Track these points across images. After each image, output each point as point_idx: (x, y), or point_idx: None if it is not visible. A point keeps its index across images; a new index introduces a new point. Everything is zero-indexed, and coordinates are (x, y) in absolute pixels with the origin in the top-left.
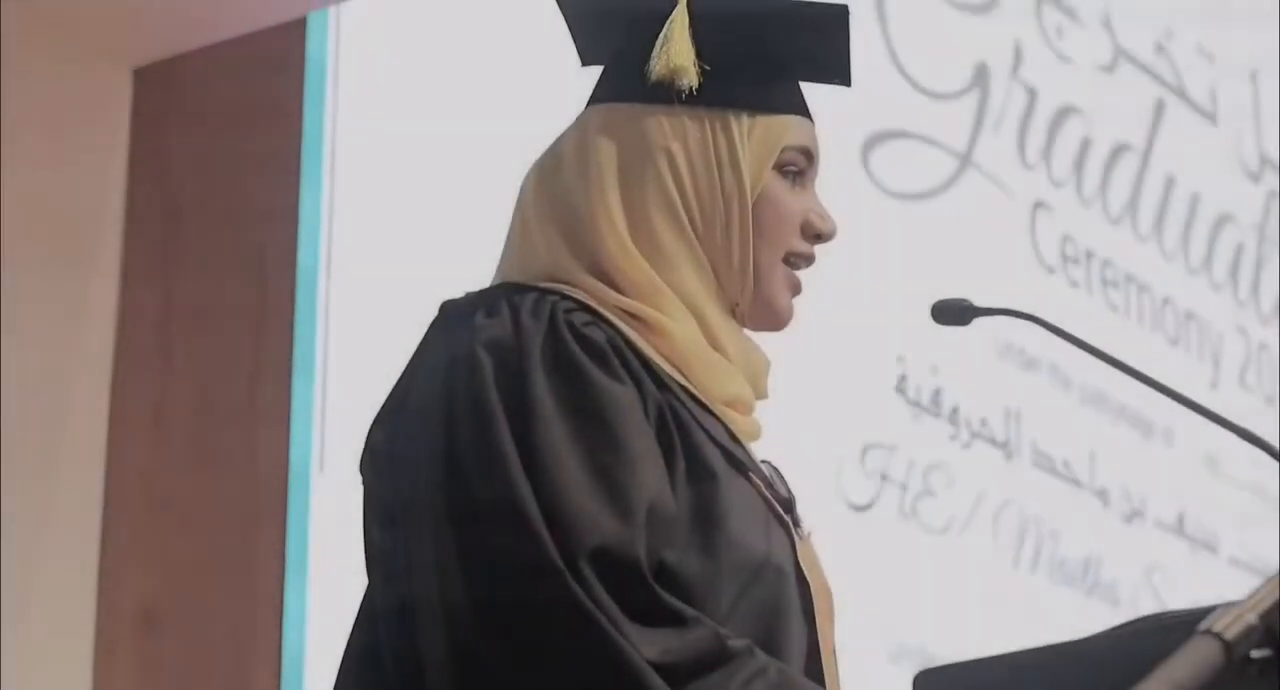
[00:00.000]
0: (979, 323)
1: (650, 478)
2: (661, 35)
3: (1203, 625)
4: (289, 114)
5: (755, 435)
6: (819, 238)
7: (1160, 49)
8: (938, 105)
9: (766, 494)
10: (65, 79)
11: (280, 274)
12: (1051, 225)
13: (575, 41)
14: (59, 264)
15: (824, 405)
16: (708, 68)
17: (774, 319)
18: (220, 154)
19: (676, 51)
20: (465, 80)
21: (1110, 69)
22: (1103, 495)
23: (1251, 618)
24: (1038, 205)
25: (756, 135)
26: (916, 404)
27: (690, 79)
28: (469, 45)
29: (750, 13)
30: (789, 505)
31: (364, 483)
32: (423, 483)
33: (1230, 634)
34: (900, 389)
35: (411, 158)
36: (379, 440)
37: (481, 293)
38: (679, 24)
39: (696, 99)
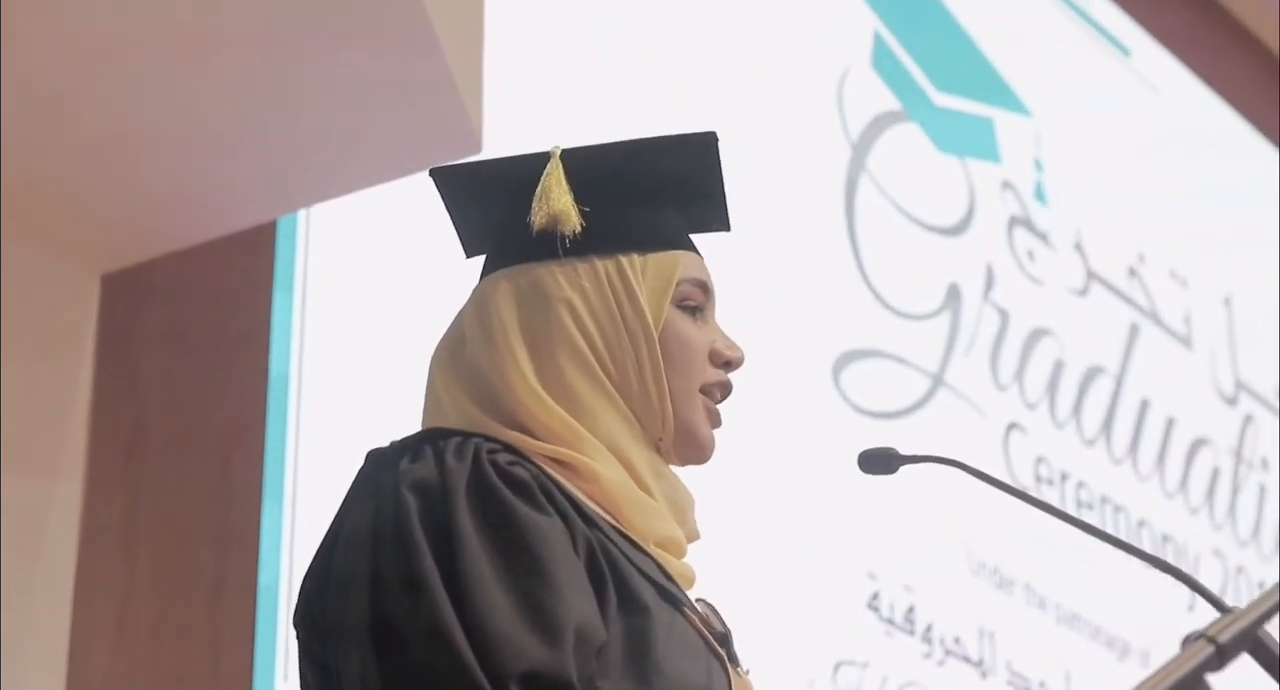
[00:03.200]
0: (952, 537)
1: (577, 602)
2: (539, 188)
3: (1194, 633)
4: (257, 321)
5: (690, 580)
6: (728, 364)
7: (1133, 273)
8: (910, 326)
9: (702, 628)
10: (32, 285)
11: (245, 485)
12: (1025, 446)
13: (459, 234)
14: (23, 473)
15: (796, 621)
16: (587, 209)
17: (698, 450)
18: (187, 362)
19: (554, 198)
20: (435, 289)
21: (1083, 292)
22: None
23: (1244, 624)
24: (1011, 426)
25: (650, 273)
26: (889, 621)
27: (571, 223)
28: (439, 252)
29: (623, 155)
30: (725, 640)
31: (299, 637)
32: (352, 622)
33: (1224, 638)
34: (873, 606)
35: (380, 367)
36: (311, 590)
37: (405, 439)
38: (554, 175)
39: (586, 248)
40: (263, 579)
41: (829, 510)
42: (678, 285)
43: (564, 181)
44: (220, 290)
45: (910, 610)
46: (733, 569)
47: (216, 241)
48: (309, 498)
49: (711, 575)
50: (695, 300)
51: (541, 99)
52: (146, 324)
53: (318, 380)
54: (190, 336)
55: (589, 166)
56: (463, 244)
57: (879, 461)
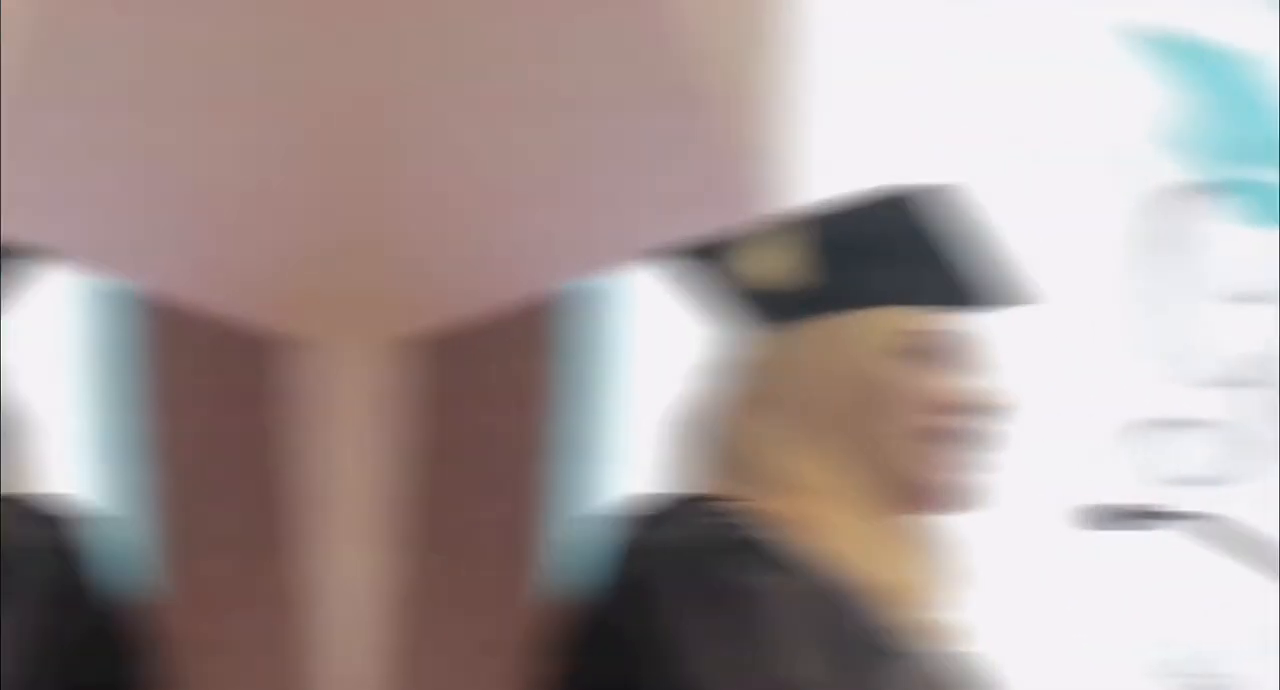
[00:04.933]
0: None
1: (800, 662)
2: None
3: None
4: None
5: (928, 627)
6: (957, 411)
7: None
8: None
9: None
10: None
11: None
12: None
13: None
14: None
15: None
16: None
17: (926, 499)
18: None
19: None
20: None
21: None
22: None
23: None
24: None
25: (867, 326)
26: None
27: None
28: None
29: (860, 214)
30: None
31: None
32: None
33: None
34: None
35: None
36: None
37: (652, 505)
38: (784, 238)
39: (821, 309)
40: None
41: None
42: (896, 336)
43: (795, 245)
44: None
45: None
46: None
47: None
48: None
49: None
50: (921, 347)
51: None
52: None
53: None
54: None
55: (833, 230)
56: None
57: None
